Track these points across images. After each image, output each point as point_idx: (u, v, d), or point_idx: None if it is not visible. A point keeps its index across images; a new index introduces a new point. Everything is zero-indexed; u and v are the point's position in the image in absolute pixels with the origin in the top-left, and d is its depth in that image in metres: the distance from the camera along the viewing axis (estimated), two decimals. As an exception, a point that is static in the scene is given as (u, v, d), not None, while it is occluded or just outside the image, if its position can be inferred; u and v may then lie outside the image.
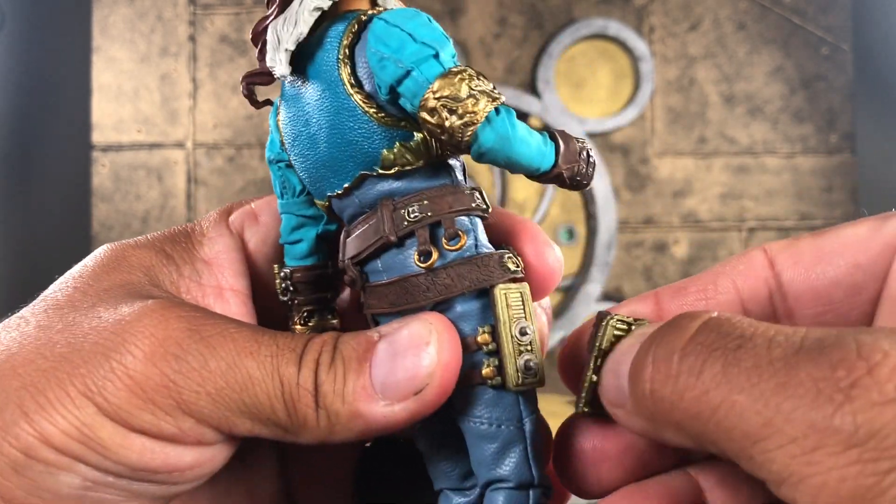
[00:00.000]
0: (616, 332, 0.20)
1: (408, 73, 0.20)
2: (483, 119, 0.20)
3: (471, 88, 0.20)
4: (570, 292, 1.11)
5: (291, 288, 0.24)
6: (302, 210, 0.24)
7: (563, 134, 0.21)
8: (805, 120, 1.12)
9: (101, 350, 0.19)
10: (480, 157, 0.20)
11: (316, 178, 0.23)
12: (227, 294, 0.23)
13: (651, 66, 1.12)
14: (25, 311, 0.21)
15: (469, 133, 0.20)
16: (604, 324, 0.20)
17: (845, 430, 0.14)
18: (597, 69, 1.13)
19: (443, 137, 0.20)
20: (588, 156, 0.22)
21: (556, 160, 0.21)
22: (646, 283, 1.11)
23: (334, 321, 0.25)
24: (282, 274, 0.24)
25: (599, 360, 0.20)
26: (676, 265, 1.12)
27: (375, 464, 0.24)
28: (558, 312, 1.10)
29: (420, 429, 0.22)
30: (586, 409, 0.20)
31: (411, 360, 0.20)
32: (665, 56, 1.13)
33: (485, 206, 0.22)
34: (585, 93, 1.13)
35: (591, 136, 1.12)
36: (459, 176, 0.22)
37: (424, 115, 0.20)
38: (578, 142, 0.22)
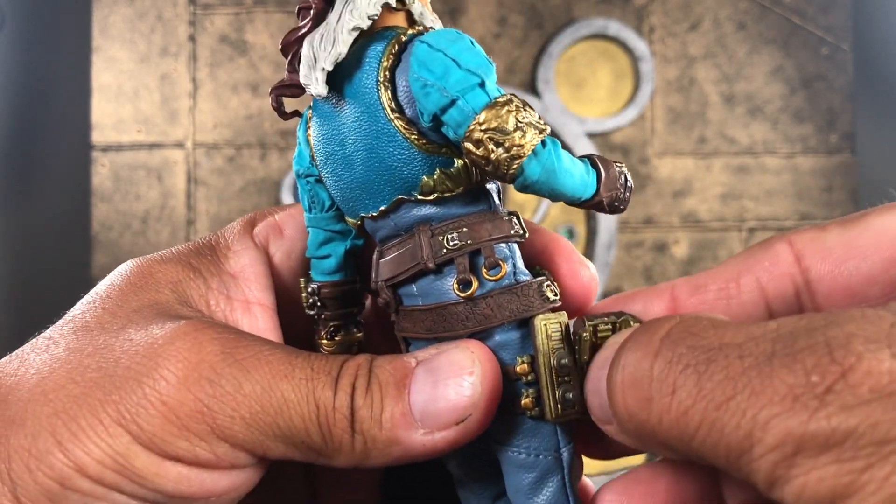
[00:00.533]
0: (601, 335, 0.20)
1: (453, 102, 0.20)
2: (530, 152, 0.20)
3: (518, 120, 0.19)
4: (570, 292, 1.11)
5: (319, 303, 0.24)
6: (330, 225, 0.24)
7: (603, 160, 0.21)
8: (805, 120, 1.12)
9: (133, 375, 0.19)
10: (525, 189, 0.20)
11: (349, 199, 0.22)
12: (255, 308, 0.23)
13: (651, 66, 1.12)
14: (53, 332, 0.21)
15: (515, 166, 0.20)
16: (583, 335, 0.20)
17: (822, 434, 0.15)
18: (597, 69, 1.13)
19: (487, 168, 0.20)
20: (626, 180, 0.22)
21: (598, 188, 0.21)
22: (646, 283, 1.11)
23: (360, 335, 0.24)
24: (309, 289, 0.24)
25: (579, 368, 0.20)
26: (676, 265, 1.12)
27: (403, 471, 0.24)
28: (558, 312, 1.10)
29: (452, 454, 0.22)
30: (558, 416, 0.20)
31: (454, 388, 0.19)
32: (665, 56, 1.13)
33: (522, 232, 0.22)
34: (585, 93, 1.13)
35: (591, 136, 1.12)
36: (497, 200, 0.22)
37: (469, 145, 0.20)
38: (617, 166, 0.21)
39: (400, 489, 0.24)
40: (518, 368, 0.20)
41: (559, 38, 1.11)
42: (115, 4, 1.13)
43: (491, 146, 0.19)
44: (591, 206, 0.21)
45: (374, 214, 0.22)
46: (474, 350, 0.20)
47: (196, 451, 0.19)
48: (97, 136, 1.14)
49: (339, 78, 0.22)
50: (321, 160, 0.23)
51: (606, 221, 1.11)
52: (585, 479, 0.23)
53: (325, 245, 0.24)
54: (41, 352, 0.20)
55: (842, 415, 0.14)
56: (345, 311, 0.24)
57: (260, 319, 0.23)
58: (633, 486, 0.20)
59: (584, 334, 0.20)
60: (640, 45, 1.12)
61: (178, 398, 0.18)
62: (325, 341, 0.24)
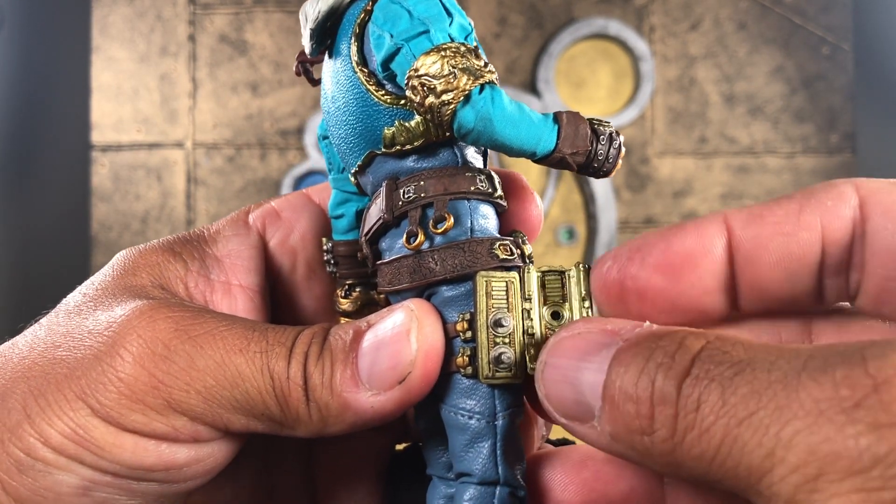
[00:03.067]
0: (550, 285, 0.19)
1: (398, 49, 0.20)
2: (462, 97, 0.19)
3: (452, 66, 0.19)
4: (570, 292, 1.11)
5: (334, 261, 0.24)
6: (346, 186, 0.24)
7: (573, 115, 0.20)
8: (805, 120, 1.12)
9: (94, 353, 0.20)
10: (464, 139, 0.20)
11: (342, 155, 0.23)
12: (235, 290, 0.24)
13: (651, 65, 1.12)
14: (44, 318, 0.22)
15: (448, 112, 0.19)
16: (527, 275, 0.19)
17: (848, 455, 0.13)
18: (597, 69, 1.13)
19: (426, 117, 0.20)
20: (610, 140, 0.20)
21: (557, 144, 0.20)
22: (646, 283, 1.11)
23: (379, 296, 0.24)
24: (325, 247, 0.24)
25: (529, 330, 0.19)
26: (677, 265, 1.11)
27: (406, 468, 0.24)
28: (558, 312, 1.10)
29: (419, 410, 0.22)
30: (491, 377, 0.19)
31: (393, 348, 0.20)
32: (665, 56, 1.13)
33: (489, 191, 0.21)
34: (585, 92, 1.13)
35: (592, 135, 1.12)
36: (470, 158, 0.22)
37: (409, 92, 0.19)
38: (601, 125, 0.21)
39: (403, 488, 0.24)
40: (458, 326, 0.20)
41: (559, 37, 1.11)
42: (115, 4, 1.13)
43: (424, 92, 0.19)
44: (553, 162, 0.20)
45: (355, 170, 0.22)
46: (415, 307, 0.20)
47: (152, 424, 0.19)
48: (97, 136, 1.14)
49: (335, 38, 0.22)
50: (325, 120, 0.23)
51: (607, 221, 1.11)
52: (547, 449, 0.23)
53: (341, 205, 0.24)
54: (29, 334, 0.21)
55: (871, 435, 0.13)
56: (360, 270, 0.24)
57: (240, 301, 0.24)
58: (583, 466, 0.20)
59: (527, 275, 0.20)
60: (640, 44, 1.11)
61: (133, 374, 0.19)
62: (341, 299, 0.24)
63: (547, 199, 1.12)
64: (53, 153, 1.18)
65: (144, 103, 1.14)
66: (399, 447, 0.25)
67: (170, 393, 0.19)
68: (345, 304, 0.24)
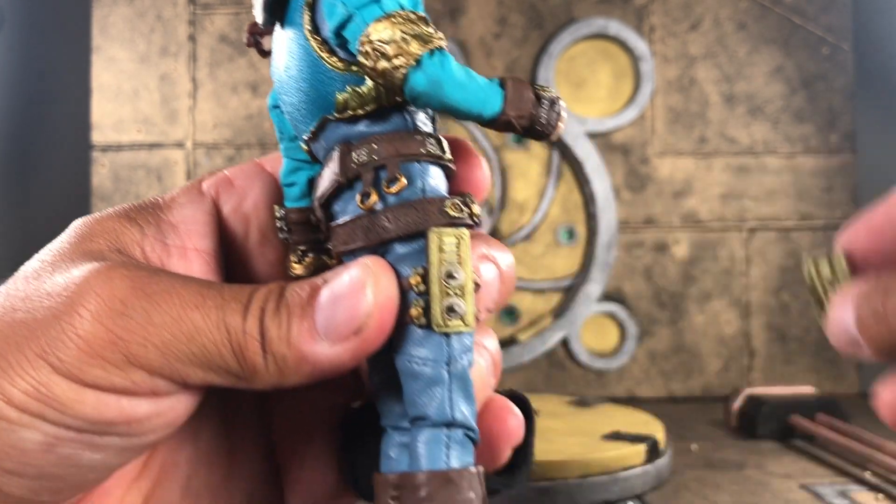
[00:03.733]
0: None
1: (350, 17, 0.20)
2: (413, 62, 0.20)
3: (403, 32, 0.20)
4: (570, 292, 1.11)
5: (286, 228, 0.25)
6: (297, 154, 0.25)
7: (517, 81, 0.21)
8: (805, 120, 1.12)
9: (53, 313, 0.20)
10: (415, 101, 0.21)
11: (294, 122, 0.24)
12: (191, 254, 0.24)
13: (651, 65, 1.12)
14: (2, 286, 0.22)
15: (399, 76, 0.20)
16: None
17: None
18: (597, 69, 1.13)
19: (379, 81, 0.21)
20: (551, 104, 0.22)
21: (503, 107, 0.21)
22: (646, 284, 1.11)
23: (333, 262, 0.25)
24: (278, 214, 0.25)
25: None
26: (676, 265, 1.12)
27: (360, 425, 0.24)
28: (558, 312, 1.10)
29: (372, 366, 0.22)
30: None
31: (350, 301, 0.20)
32: (665, 56, 1.13)
33: (439, 153, 0.22)
34: (585, 93, 1.13)
35: (592, 136, 1.12)
36: (420, 123, 0.23)
37: (361, 58, 0.20)
38: (544, 91, 0.22)
39: (358, 445, 0.24)
40: (411, 280, 0.21)
41: (559, 38, 1.11)
42: (115, 4, 1.13)
43: (376, 57, 0.20)
44: (501, 125, 0.21)
45: (308, 137, 0.23)
46: (370, 263, 0.21)
47: (112, 379, 0.20)
48: (97, 136, 1.14)
49: (288, 8, 0.23)
50: (276, 88, 0.24)
51: (606, 221, 1.11)
52: (505, 402, 0.24)
53: (292, 174, 0.25)
54: None
55: None
56: (312, 237, 0.25)
57: (195, 264, 0.24)
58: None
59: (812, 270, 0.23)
60: (640, 44, 1.11)
61: (92, 331, 0.20)
62: (294, 264, 0.25)
63: (547, 199, 1.12)
64: (53, 153, 1.18)
65: (144, 103, 1.14)
66: (354, 405, 0.26)
67: (128, 348, 0.20)
68: (298, 269, 0.25)
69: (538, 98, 0.22)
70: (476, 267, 0.22)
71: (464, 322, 0.21)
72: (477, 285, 0.21)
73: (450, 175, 0.23)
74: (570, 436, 0.70)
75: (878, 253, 0.24)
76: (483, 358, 0.23)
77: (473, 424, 0.21)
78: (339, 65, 0.22)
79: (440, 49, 0.20)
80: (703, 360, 1.11)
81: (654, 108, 1.12)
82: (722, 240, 1.12)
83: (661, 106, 1.12)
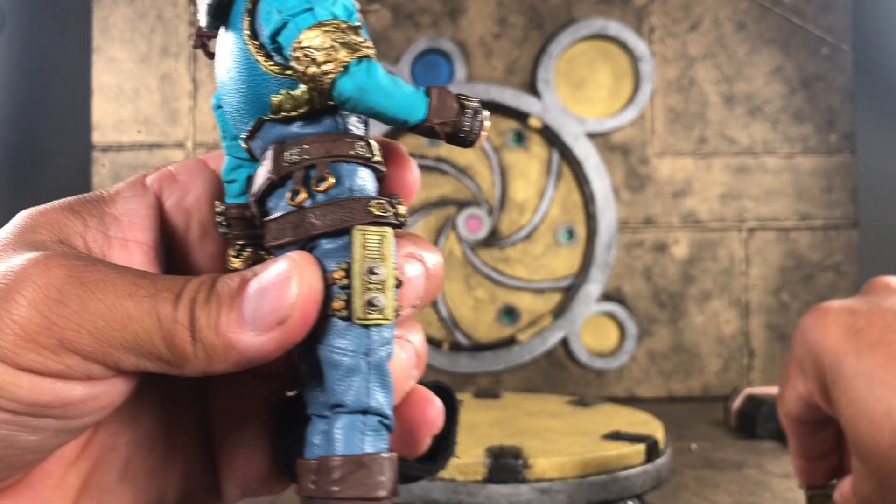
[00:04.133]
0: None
1: (285, 24, 0.22)
2: (341, 68, 0.21)
3: (333, 40, 0.21)
4: (569, 292, 1.11)
5: (226, 223, 0.26)
6: (238, 152, 0.26)
7: (442, 91, 0.23)
8: (805, 120, 1.12)
9: None
10: (343, 105, 0.22)
11: (234, 122, 0.25)
12: (132, 245, 0.25)
13: (651, 66, 1.12)
14: None
15: (328, 81, 0.21)
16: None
17: None
18: (597, 69, 1.13)
19: (310, 85, 0.22)
20: (475, 113, 0.23)
21: (427, 114, 0.22)
22: (646, 284, 1.11)
23: (269, 256, 0.26)
24: (218, 210, 0.26)
25: None
26: (676, 265, 1.12)
27: (293, 413, 0.25)
28: (558, 312, 1.10)
29: (300, 356, 0.23)
30: None
31: (276, 293, 0.21)
32: (665, 56, 1.13)
33: (368, 156, 0.23)
34: (585, 93, 1.13)
35: (591, 136, 1.12)
36: (351, 126, 0.24)
37: (293, 63, 0.22)
38: (468, 100, 0.23)
39: (292, 433, 0.25)
40: (335, 274, 0.22)
41: (559, 38, 1.11)
42: (116, 5, 1.13)
43: (307, 62, 0.21)
44: (424, 131, 0.23)
45: (245, 136, 0.24)
46: (297, 258, 0.22)
47: (47, 363, 0.21)
48: (97, 137, 1.14)
49: (231, 13, 0.24)
50: (219, 89, 0.25)
51: (606, 221, 1.11)
52: (425, 392, 0.25)
53: (233, 171, 0.26)
54: None
55: None
56: (250, 232, 0.26)
57: (135, 255, 0.25)
58: None
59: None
60: (640, 45, 1.12)
61: (28, 316, 0.21)
62: (232, 258, 0.26)
63: (547, 200, 1.12)
64: (54, 153, 1.19)
65: (145, 104, 1.14)
66: (289, 395, 0.27)
67: (62, 333, 0.21)
68: (236, 263, 0.26)
69: (462, 107, 0.23)
70: (400, 265, 0.24)
71: (383, 315, 0.22)
72: (399, 282, 0.23)
73: (381, 177, 0.24)
74: (570, 435, 0.70)
75: None
76: (405, 351, 0.24)
77: (388, 412, 0.22)
78: (275, 68, 0.23)
79: (367, 57, 0.22)
80: (702, 360, 1.11)
81: (654, 109, 1.12)
82: (721, 240, 1.12)
83: (661, 106, 1.13)
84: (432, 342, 1.09)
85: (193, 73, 1.14)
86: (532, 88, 1.12)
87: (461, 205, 1.12)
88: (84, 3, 1.13)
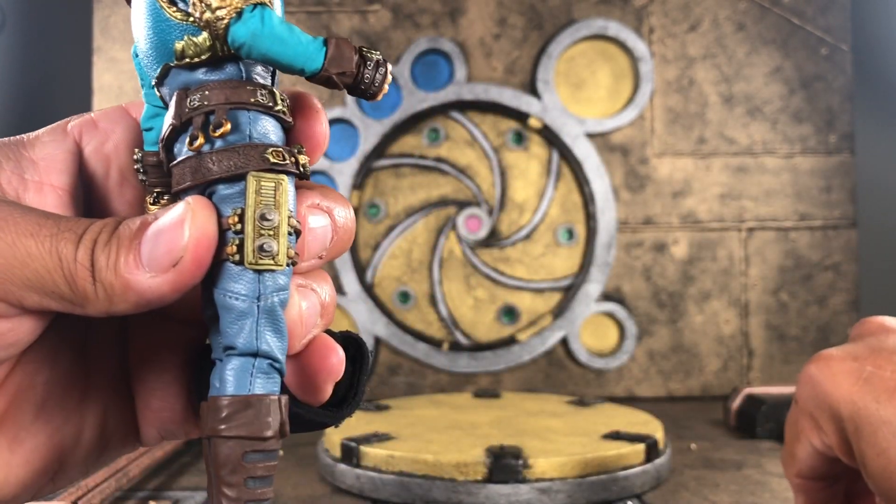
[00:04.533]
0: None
1: None
2: (234, 14, 0.22)
3: None
4: (569, 292, 1.11)
5: (143, 170, 0.26)
6: (154, 101, 0.26)
7: (341, 41, 0.23)
8: (804, 120, 1.13)
9: None
10: (238, 51, 0.23)
11: (147, 69, 0.25)
12: (47, 189, 0.25)
13: (650, 66, 1.12)
14: None
15: (221, 27, 0.22)
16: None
17: None
18: (596, 69, 1.13)
19: (206, 31, 0.23)
20: (377, 65, 0.24)
21: (324, 63, 0.23)
22: (646, 284, 1.12)
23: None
24: (136, 157, 0.27)
25: None
26: (676, 265, 1.12)
27: (208, 358, 0.26)
28: (558, 312, 1.10)
29: (204, 301, 0.24)
30: None
31: (170, 235, 0.22)
32: (665, 56, 1.13)
33: (269, 105, 0.24)
34: (585, 93, 1.13)
35: (591, 136, 1.12)
36: (256, 75, 0.24)
37: (190, 9, 0.22)
38: (370, 52, 0.24)
39: (202, 379, 0.26)
40: (230, 219, 0.23)
41: (559, 38, 1.12)
42: (116, 5, 1.13)
43: (202, 8, 0.22)
44: (322, 81, 0.23)
45: (155, 82, 0.25)
46: (192, 202, 0.22)
47: None
48: (98, 137, 1.14)
49: None
50: (134, 37, 0.26)
51: (606, 221, 1.11)
52: (328, 341, 0.25)
53: (151, 119, 0.26)
54: None
55: None
56: (167, 179, 0.26)
57: (50, 198, 0.25)
58: None
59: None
60: (639, 45, 1.12)
61: None
62: (150, 205, 0.26)
63: (546, 199, 1.12)
64: (54, 153, 1.18)
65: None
66: (207, 341, 0.28)
67: None
68: (153, 210, 0.26)
69: (363, 58, 0.24)
70: (303, 215, 0.24)
71: (275, 262, 0.22)
72: (297, 230, 0.23)
73: (287, 128, 0.25)
74: (570, 435, 0.70)
75: None
76: (307, 300, 0.25)
77: (279, 356, 0.23)
78: (178, 15, 0.24)
79: (262, 4, 0.22)
80: (702, 360, 1.11)
81: (654, 109, 1.13)
82: (721, 240, 1.12)
83: (661, 106, 1.13)
84: (432, 342, 1.09)
85: (194, 74, 1.14)
86: (532, 89, 1.12)
87: (461, 205, 1.12)
88: (84, 3, 1.13)
